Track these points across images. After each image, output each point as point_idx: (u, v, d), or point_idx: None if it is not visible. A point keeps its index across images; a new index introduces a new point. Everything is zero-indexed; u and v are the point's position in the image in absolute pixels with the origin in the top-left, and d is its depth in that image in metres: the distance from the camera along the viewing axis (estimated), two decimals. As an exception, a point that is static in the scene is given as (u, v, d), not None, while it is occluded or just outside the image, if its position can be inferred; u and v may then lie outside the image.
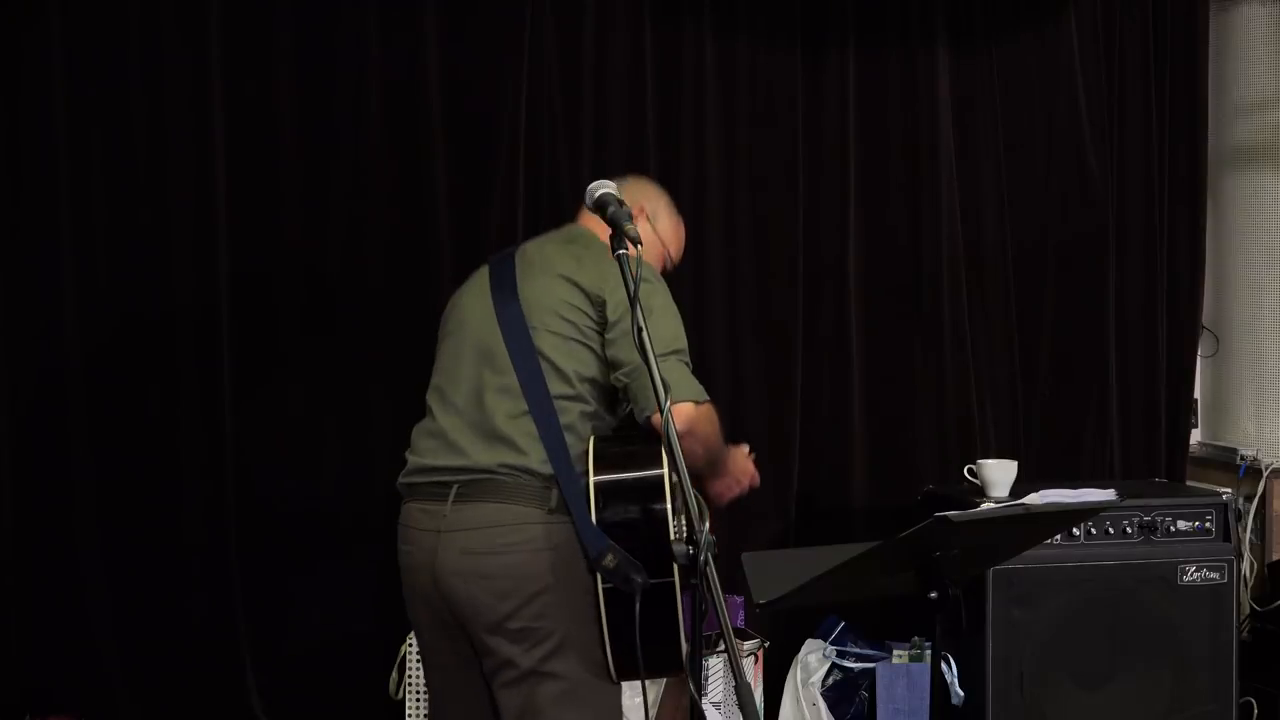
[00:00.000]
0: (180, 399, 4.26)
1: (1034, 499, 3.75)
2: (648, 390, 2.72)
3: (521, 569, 2.86)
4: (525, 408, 2.90)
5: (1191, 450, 5.19)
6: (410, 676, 4.09)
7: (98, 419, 4.20)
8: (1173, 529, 4.18)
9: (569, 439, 2.89)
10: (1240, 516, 4.53)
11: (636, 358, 2.75)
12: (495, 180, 4.43)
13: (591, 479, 2.85)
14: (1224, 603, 4.16)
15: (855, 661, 4.47)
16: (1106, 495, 3.92)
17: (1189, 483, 5.01)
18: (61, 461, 4.19)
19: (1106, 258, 5.02)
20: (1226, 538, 4.21)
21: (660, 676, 3.39)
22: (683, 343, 2.95)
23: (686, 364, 2.94)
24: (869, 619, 4.58)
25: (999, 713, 4.07)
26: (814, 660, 4.50)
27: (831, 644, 4.51)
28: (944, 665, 4.04)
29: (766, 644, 4.31)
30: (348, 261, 4.37)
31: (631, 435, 2.94)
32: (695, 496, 2.52)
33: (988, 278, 4.94)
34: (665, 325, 2.92)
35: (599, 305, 2.92)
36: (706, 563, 2.42)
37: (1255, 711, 4.52)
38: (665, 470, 2.83)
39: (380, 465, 4.23)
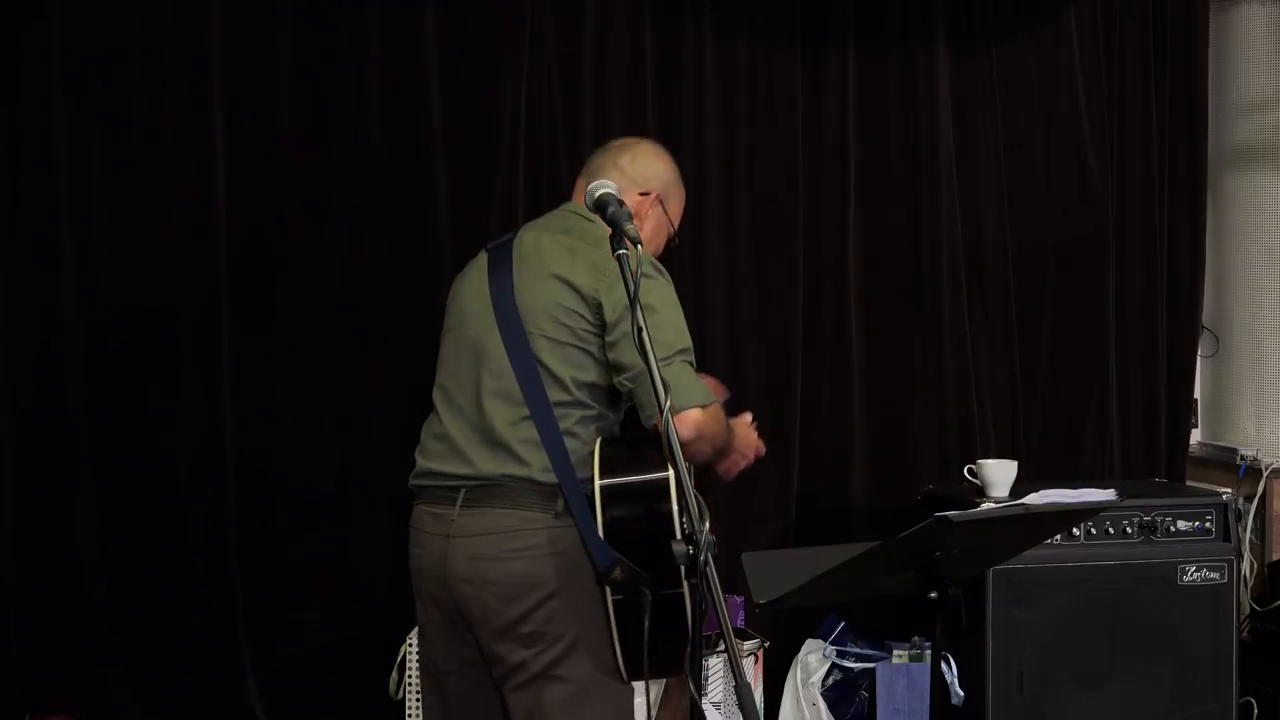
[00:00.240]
0: (180, 399, 4.26)
1: (1034, 499, 3.76)
2: (651, 395, 2.68)
3: (529, 575, 2.85)
4: (523, 414, 2.88)
5: (1191, 450, 5.19)
6: (410, 676, 4.08)
7: (98, 419, 4.20)
8: (1173, 529, 4.18)
9: (570, 444, 2.87)
10: (1240, 516, 4.52)
11: (639, 361, 2.71)
12: (495, 180, 4.43)
13: (597, 483, 2.83)
14: (1224, 603, 4.16)
15: (855, 661, 4.47)
16: (1106, 495, 3.93)
17: (1189, 483, 5.01)
18: (61, 461, 4.19)
19: (1106, 258, 5.02)
20: (1226, 538, 4.21)
21: (671, 675, 3.39)
22: (686, 341, 2.91)
23: (691, 364, 2.91)
24: (869, 619, 4.58)
25: (999, 713, 4.07)
26: (814, 660, 4.50)
27: (831, 644, 4.51)
28: (944, 665, 4.03)
29: (766, 644, 4.31)
30: (348, 261, 4.37)
31: (638, 438, 2.91)
32: (696, 497, 2.52)
33: (988, 278, 4.94)
34: (667, 325, 2.87)
35: (595, 307, 2.89)
36: (706, 563, 2.41)
37: (1255, 711, 4.52)
38: (672, 474, 2.80)
39: (381, 466, 4.26)
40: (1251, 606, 4.75)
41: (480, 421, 2.92)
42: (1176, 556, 4.15)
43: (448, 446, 2.96)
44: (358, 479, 4.34)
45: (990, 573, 4.01)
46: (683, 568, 2.55)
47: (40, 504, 4.17)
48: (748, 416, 3.21)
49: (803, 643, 4.56)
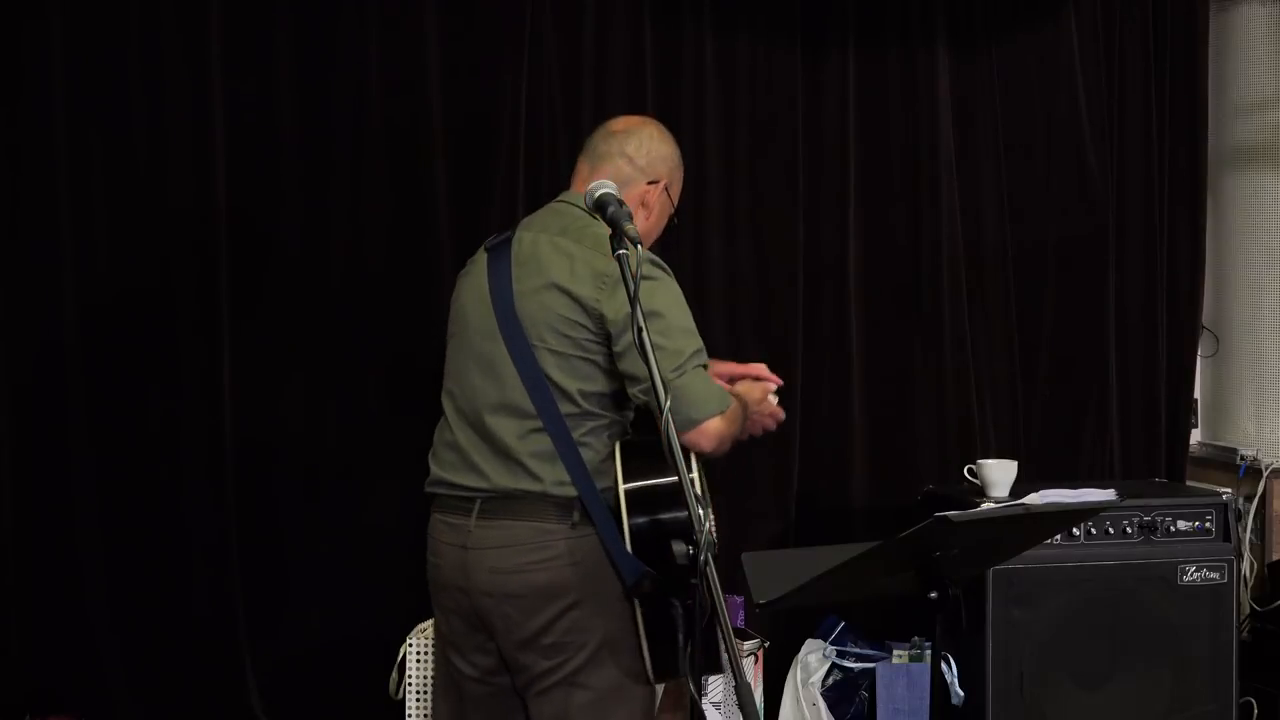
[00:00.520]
0: (181, 399, 4.26)
1: (1034, 499, 3.75)
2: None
3: (550, 586, 2.85)
4: (532, 426, 2.86)
5: (1191, 450, 5.19)
6: (410, 677, 4.08)
7: (98, 419, 4.20)
8: (1173, 529, 4.18)
9: (585, 455, 2.86)
10: (1240, 516, 4.53)
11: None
12: (495, 180, 4.43)
13: (621, 487, 2.81)
14: (1224, 603, 4.17)
15: (855, 661, 4.47)
16: (1106, 495, 3.92)
17: (1189, 483, 5.01)
18: (61, 461, 4.19)
19: (1106, 258, 5.02)
20: (1226, 538, 4.21)
21: (708, 675, 3.38)
22: (696, 342, 2.86)
23: (704, 366, 2.88)
24: (869, 619, 4.58)
25: (999, 713, 4.07)
26: (814, 660, 4.50)
27: (831, 644, 4.51)
28: (944, 665, 4.04)
29: (766, 644, 4.31)
30: (348, 261, 4.37)
31: (653, 442, 2.84)
32: (701, 497, 2.51)
33: (988, 278, 4.94)
34: (675, 331, 2.83)
35: (597, 318, 2.85)
36: (706, 563, 2.40)
37: (1255, 711, 4.52)
38: (679, 479, 2.78)
39: (382, 467, 4.26)
40: (1251, 606, 4.75)
41: (489, 433, 2.91)
42: (1176, 556, 4.15)
43: (459, 457, 2.95)
44: (358, 478, 4.34)
45: (990, 573, 4.01)
46: (681, 568, 2.54)
47: (40, 503, 4.17)
48: (758, 368, 3.18)
49: (803, 643, 4.56)
